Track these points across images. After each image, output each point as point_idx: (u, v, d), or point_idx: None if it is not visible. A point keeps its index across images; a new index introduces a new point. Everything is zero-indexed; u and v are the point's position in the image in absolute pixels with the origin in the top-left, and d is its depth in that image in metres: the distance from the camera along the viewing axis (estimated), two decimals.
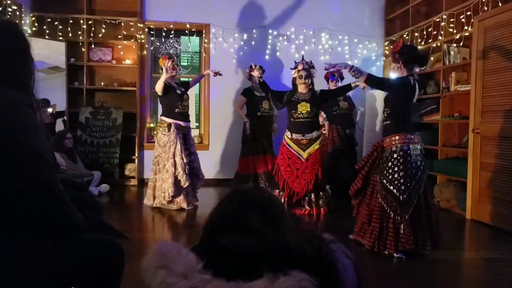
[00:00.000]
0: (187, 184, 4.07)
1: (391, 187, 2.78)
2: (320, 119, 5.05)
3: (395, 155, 2.81)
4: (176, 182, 4.05)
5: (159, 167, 4.15)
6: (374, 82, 2.97)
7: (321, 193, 4.14)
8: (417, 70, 2.98)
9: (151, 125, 6.04)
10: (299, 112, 4.05)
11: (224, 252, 0.85)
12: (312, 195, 4.10)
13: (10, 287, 1.13)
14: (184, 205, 4.15)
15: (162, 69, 4.16)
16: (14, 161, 1.11)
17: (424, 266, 2.72)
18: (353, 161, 5.07)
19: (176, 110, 4.15)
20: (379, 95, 5.72)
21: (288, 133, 4.15)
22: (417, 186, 2.79)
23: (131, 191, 5.33)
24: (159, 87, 4.06)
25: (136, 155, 5.67)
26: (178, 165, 4.04)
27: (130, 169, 5.68)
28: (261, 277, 0.78)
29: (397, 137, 2.83)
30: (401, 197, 2.75)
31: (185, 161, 4.07)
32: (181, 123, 4.19)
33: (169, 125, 4.10)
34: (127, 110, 5.61)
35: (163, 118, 4.17)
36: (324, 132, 4.99)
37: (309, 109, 4.02)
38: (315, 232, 1.00)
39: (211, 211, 1.02)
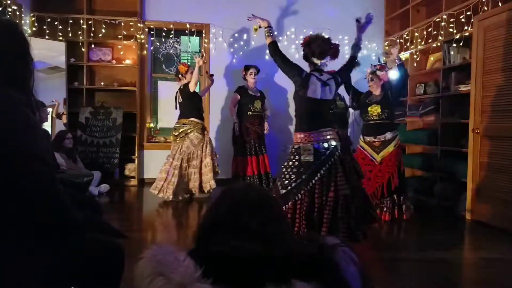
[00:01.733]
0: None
1: (277, 180, 2.85)
2: None
3: (290, 151, 2.87)
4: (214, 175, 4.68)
5: (190, 163, 4.62)
6: (272, 50, 2.91)
7: (401, 197, 3.89)
8: (317, 62, 2.91)
9: (151, 125, 6.04)
10: (369, 115, 3.97)
11: (223, 258, 0.82)
12: (388, 200, 3.86)
13: (10, 287, 1.13)
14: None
15: (181, 74, 4.82)
16: (13, 162, 1.11)
17: (424, 266, 2.72)
18: None
19: (201, 112, 4.79)
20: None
21: (361, 136, 4.11)
22: (302, 184, 2.71)
23: (131, 191, 5.33)
24: (193, 84, 4.63)
25: (136, 155, 5.67)
26: (215, 161, 4.70)
27: (130, 169, 5.68)
28: (263, 287, 0.76)
29: (296, 136, 2.88)
30: (282, 191, 2.75)
31: (217, 157, 4.81)
32: (204, 123, 4.85)
33: (203, 127, 4.75)
34: (127, 110, 5.61)
35: (195, 120, 4.68)
36: None
37: (379, 111, 3.91)
38: (314, 234, 0.98)
39: (203, 214, 0.98)
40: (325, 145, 2.78)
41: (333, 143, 2.82)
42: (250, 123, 5.04)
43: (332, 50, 2.95)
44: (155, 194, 4.52)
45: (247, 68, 5.16)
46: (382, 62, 4.02)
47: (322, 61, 2.94)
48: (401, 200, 3.88)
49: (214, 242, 0.87)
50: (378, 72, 3.99)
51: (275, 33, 2.97)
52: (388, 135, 3.91)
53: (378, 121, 3.92)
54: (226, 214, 0.92)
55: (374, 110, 3.93)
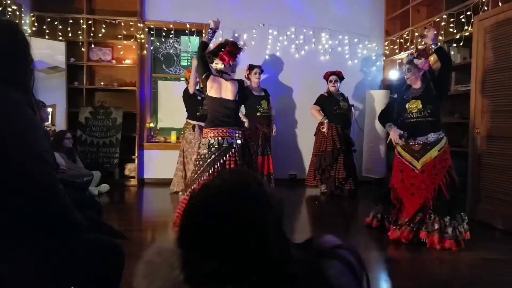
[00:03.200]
0: None
1: None
2: (319, 117, 5.06)
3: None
4: None
5: (187, 160, 4.83)
6: (200, 48, 3.24)
7: (457, 215, 3.11)
8: (212, 65, 3.23)
9: (151, 125, 6.04)
10: (408, 112, 3.27)
11: (203, 274, 0.77)
12: (436, 217, 3.06)
13: (10, 287, 1.13)
14: None
15: (186, 80, 5.04)
16: (14, 161, 1.11)
17: (424, 266, 2.72)
18: (350, 161, 5.09)
19: (198, 113, 4.85)
20: (379, 95, 5.73)
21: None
22: (199, 176, 3.07)
23: (131, 191, 5.33)
24: (191, 85, 4.81)
25: (136, 155, 5.66)
26: None
27: (130, 169, 5.68)
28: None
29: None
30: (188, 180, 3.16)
31: None
32: (202, 124, 4.83)
33: (194, 126, 4.80)
34: (127, 110, 5.61)
35: (188, 120, 4.89)
36: (323, 130, 5.00)
37: (420, 107, 3.20)
38: (315, 244, 0.88)
39: (183, 214, 0.86)
40: (221, 141, 3.08)
41: (231, 140, 3.09)
42: (259, 123, 5.03)
43: (220, 55, 3.17)
44: (173, 190, 4.88)
45: (251, 67, 5.16)
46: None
47: (212, 64, 3.23)
48: (457, 219, 3.07)
49: (191, 254, 0.80)
50: (416, 61, 3.25)
51: (213, 38, 3.43)
52: (431, 137, 3.19)
53: (419, 119, 3.22)
54: (198, 224, 0.81)
55: (414, 106, 3.25)
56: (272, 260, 0.78)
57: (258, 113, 5.07)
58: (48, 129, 4.97)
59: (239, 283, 0.75)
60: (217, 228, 0.78)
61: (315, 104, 5.17)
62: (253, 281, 0.76)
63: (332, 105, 5.06)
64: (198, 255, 0.79)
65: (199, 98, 4.93)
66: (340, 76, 5.25)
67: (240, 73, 5.54)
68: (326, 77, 5.27)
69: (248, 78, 5.17)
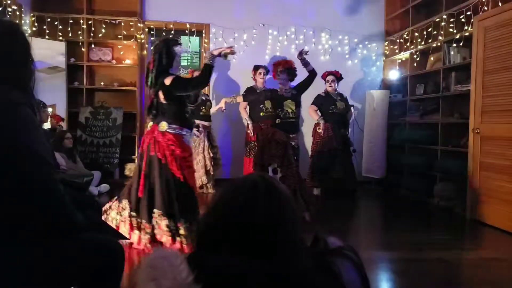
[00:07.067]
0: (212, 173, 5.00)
1: None
2: (316, 118, 5.05)
3: None
4: (207, 172, 5.00)
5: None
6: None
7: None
8: None
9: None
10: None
11: (215, 270, 0.80)
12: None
13: (10, 287, 1.13)
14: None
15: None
16: (14, 161, 1.11)
17: (424, 266, 2.72)
18: (347, 161, 5.08)
19: (201, 113, 4.98)
20: (379, 95, 5.73)
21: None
22: None
23: None
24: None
25: (136, 155, 5.66)
26: (207, 159, 4.94)
27: (130, 169, 5.67)
28: None
29: None
30: None
31: (211, 155, 5.00)
32: (205, 123, 5.05)
33: (198, 126, 4.88)
34: (127, 110, 5.61)
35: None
36: (319, 131, 4.99)
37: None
38: (319, 234, 0.94)
39: (202, 217, 0.92)
40: None
41: None
42: (264, 124, 5.01)
43: None
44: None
45: (256, 68, 5.16)
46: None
47: None
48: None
49: (208, 252, 0.85)
50: None
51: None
52: None
53: None
54: (216, 223, 0.86)
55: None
56: (290, 255, 0.81)
57: (261, 113, 5.04)
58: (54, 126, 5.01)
59: (255, 278, 0.77)
60: (249, 222, 0.82)
61: (312, 104, 5.17)
62: (267, 276, 0.78)
63: (328, 105, 5.05)
64: (209, 254, 0.82)
65: (203, 98, 4.93)
66: (337, 76, 5.24)
67: (247, 74, 5.55)
68: (324, 77, 5.27)
69: (254, 79, 5.17)
